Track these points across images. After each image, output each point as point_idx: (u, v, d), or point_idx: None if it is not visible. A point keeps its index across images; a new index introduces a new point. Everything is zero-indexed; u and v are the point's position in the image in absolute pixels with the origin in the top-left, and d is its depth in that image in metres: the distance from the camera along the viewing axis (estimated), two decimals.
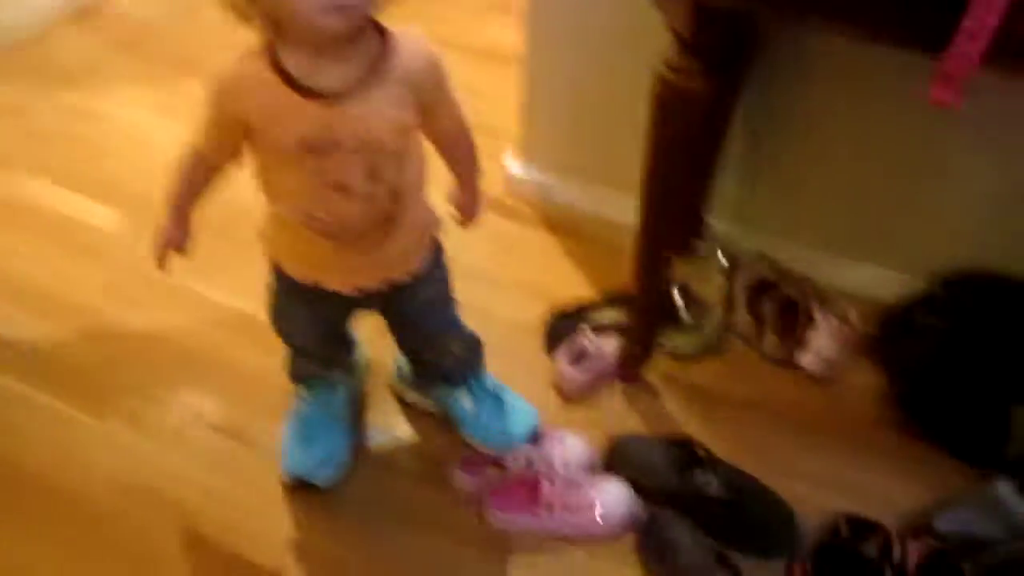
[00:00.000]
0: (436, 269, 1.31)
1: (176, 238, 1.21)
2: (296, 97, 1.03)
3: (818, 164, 1.63)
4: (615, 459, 1.44)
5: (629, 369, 1.56)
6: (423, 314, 1.34)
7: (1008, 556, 1.27)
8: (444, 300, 1.37)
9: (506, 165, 1.94)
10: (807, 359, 1.56)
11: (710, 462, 1.39)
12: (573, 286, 1.76)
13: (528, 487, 1.37)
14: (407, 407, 1.55)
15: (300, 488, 1.41)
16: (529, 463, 1.40)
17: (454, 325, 1.40)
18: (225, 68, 1.08)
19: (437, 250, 1.30)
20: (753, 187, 1.71)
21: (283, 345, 1.41)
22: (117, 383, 1.59)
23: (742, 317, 1.64)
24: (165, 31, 2.54)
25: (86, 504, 1.42)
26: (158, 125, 2.18)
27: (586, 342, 1.56)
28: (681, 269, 1.69)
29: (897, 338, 1.60)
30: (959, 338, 1.49)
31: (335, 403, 1.46)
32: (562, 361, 1.56)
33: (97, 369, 1.62)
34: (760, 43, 1.46)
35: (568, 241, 1.86)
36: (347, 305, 1.29)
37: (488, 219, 1.86)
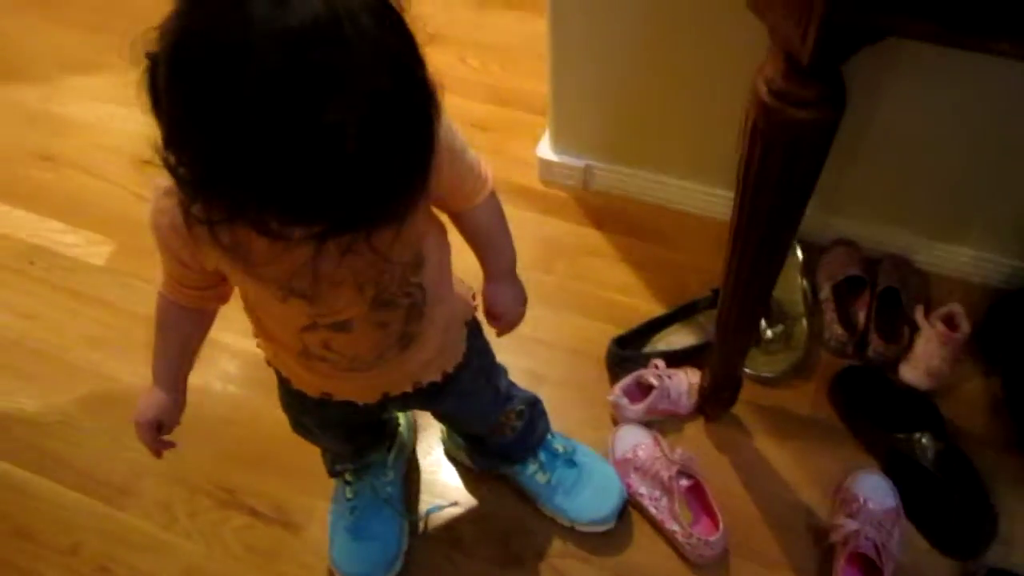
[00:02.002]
0: (475, 356, 1.07)
1: (170, 415, 0.94)
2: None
3: (903, 144, 1.37)
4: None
5: (713, 406, 1.36)
6: (467, 405, 1.13)
7: None
8: (488, 379, 1.14)
9: (539, 151, 1.69)
10: (912, 374, 1.37)
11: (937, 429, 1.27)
12: (632, 294, 1.54)
13: None
14: (463, 468, 1.36)
15: None
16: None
17: (506, 400, 1.19)
18: (158, 209, 0.77)
19: (472, 334, 1.06)
20: (833, 170, 1.47)
21: None
22: (132, 462, 1.39)
23: (832, 326, 1.44)
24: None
25: None
26: (128, 119, 1.89)
27: (652, 378, 1.36)
28: None
29: (1009, 332, 1.40)
30: None
31: (381, 488, 1.26)
32: (618, 393, 1.36)
33: (106, 446, 1.41)
34: None
35: (619, 237, 1.63)
36: (369, 411, 1.04)
37: (528, 218, 1.68)
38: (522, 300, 1.06)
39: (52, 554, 1.32)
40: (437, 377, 1.01)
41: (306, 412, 1.07)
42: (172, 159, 0.60)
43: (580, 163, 1.66)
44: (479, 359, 1.08)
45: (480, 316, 1.07)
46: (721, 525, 1.23)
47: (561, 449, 1.28)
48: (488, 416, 1.18)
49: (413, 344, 0.92)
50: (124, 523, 1.34)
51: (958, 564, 1.23)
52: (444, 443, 1.37)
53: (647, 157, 1.61)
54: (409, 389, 1.00)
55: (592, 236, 1.64)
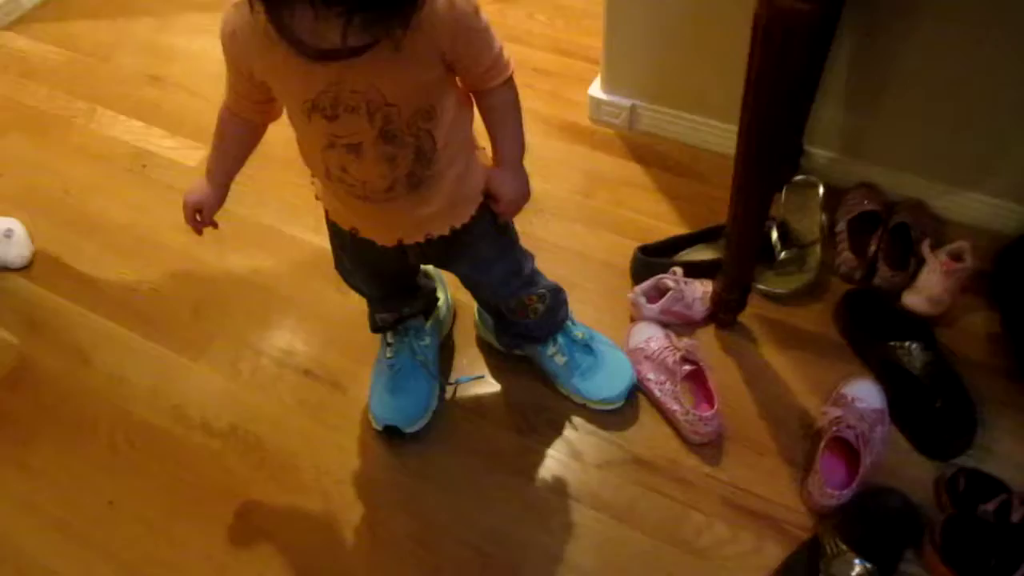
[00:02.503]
0: (490, 225, 1.20)
1: (209, 203, 1.14)
2: (299, 57, 0.88)
3: (927, 89, 1.48)
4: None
5: (724, 315, 1.49)
6: (486, 271, 1.27)
7: None
8: (503, 253, 1.28)
9: (590, 90, 1.85)
10: (914, 300, 1.47)
11: (928, 341, 1.39)
12: (663, 220, 1.69)
13: None
14: (493, 351, 1.52)
15: (388, 433, 1.41)
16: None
17: (530, 284, 1.33)
18: (226, 18, 0.95)
19: (486, 210, 1.18)
20: (857, 113, 1.59)
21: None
22: (209, 327, 1.61)
23: (844, 255, 1.55)
24: None
25: (177, 444, 1.46)
26: None
27: (669, 280, 1.50)
28: (778, 203, 1.61)
29: (1017, 272, 1.49)
30: None
31: (419, 350, 1.43)
32: (637, 292, 1.51)
33: (188, 312, 1.64)
34: None
35: (657, 171, 1.78)
36: (395, 256, 1.20)
37: (573, 150, 1.84)
38: (522, 190, 1.16)
39: (139, 392, 1.53)
40: (445, 231, 1.15)
41: (343, 247, 1.25)
42: None
43: (627, 103, 1.81)
44: (495, 231, 1.21)
45: None
46: (717, 405, 1.36)
47: (580, 335, 1.43)
48: (507, 289, 1.31)
49: (422, 187, 1.06)
50: (198, 372, 1.55)
51: (936, 465, 1.33)
52: (476, 327, 1.53)
53: (687, 100, 1.76)
54: (421, 239, 1.15)
55: (633, 169, 1.79)
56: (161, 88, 2.08)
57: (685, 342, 1.42)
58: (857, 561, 1.16)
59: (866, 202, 1.59)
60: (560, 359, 1.42)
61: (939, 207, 1.62)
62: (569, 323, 1.44)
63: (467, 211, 1.16)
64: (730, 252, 1.38)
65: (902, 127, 1.57)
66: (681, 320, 1.51)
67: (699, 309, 1.51)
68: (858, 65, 1.52)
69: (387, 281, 1.35)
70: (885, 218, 1.58)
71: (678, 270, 1.51)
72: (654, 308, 1.49)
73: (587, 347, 1.43)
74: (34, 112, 2.05)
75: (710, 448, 1.38)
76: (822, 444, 1.30)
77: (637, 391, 1.44)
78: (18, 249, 1.73)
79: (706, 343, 1.49)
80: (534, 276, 1.35)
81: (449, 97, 1.02)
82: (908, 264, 1.52)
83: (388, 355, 1.43)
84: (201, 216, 1.16)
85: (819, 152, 1.67)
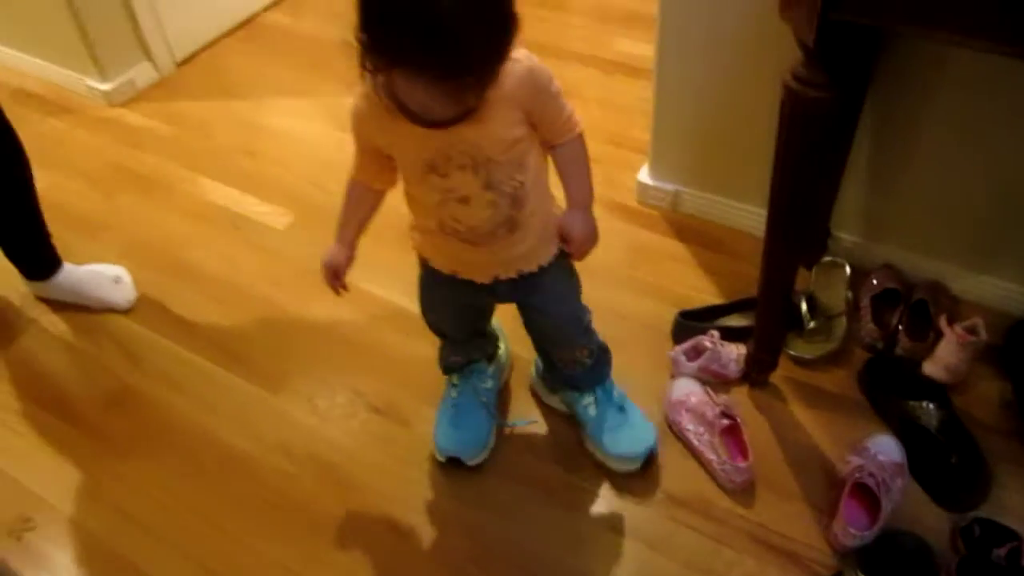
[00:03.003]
0: (564, 267, 1.40)
1: (342, 265, 1.35)
2: (415, 126, 1.11)
3: (945, 176, 1.66)
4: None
5: (756, 373, 1.64)
6: (554, 306, 1.44)
7: None
8: (574, 303, 1.46)
9: (638, 176, 2.06)
10: (933, 368, 1.61)
11: (943, 401, 1.52)
12: (702, 291, 1.86)
13: None
14: (543, 404, 1.69)
15: (450, 464, 1.57)
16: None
17: (586, 334, 1.50)
18: (357, 103, 1.18)
19: (562, 251, 1.36)
20: (879, 199, 1.77)
21: (436, 338, 1.58)
22: (289, 366, 1.79)
23: (867, 326, 1.70)
24: (316, 42, 2.78)
25: (258, 467, 1.62)
26: (316, 133, 2.41)
27: (707, 341, 1.66)
28: (807, 279, 1.78)
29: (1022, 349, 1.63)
30: None
31: (481, 391, 1.60)
32: (678, 350, 1.67)
33: (273, 352, 1.83)
34: (885, 53, 1.53)
35: (697, 249, 1.96)
36: (484, 294, 1.39)
37: (622, 227, 2.04)
38: (592, 232, 1.31)
39: (224, 420, 1.70)
40: (534, 267, 1.35)
41: (436, 288, 1.43)
42: (360, 35, 0.99)
43: (671, 188, 2.02)
44: (566, 273, 1.42)
45: None
46: (751, 458, 1.50)
47: (615, 394, 1.57)
48: (567, 332, 1.48)
49: (518, 229, 1.27)
50: (277, 406, 1.72)
51: (951, 517, 1.45)
52: (531, 379, 1.70)
53: (725, 186, 1.96)
54: (514, 275, 1.35)
55: (675, 246, 1.98)
56: (255, 161, 2.33)
57: (723, 398, 1.57)
58: None
59: (888, 281, 1.75)
60: (593, 410, 1.56)
61: (955, 288, 1.77)
62: (608, 382, 1.59)
63: (550, 250, 1.36)
64: (761, 315, 1.54)
65: (920, 215, 1.74)
66: (717, 378, 1.66)
67: (733, 369, 1.66)
68: (879, 157, 1.71)
69: (467, 324, 1.54)
70: (905, 295, 1.74)
71: (715, 333, 1.67)
72: (692, 365, 1.65)
73: (620, 407, 1.57)
74: (142, 177, 2.31)
75: (742, 492, 1.51)
76: (845, 489, 1.43)
77: (655, 456, 1.56)
78: (124, 293, 1.95)
79: (739, 400, 1.64)
80: (590, 328, 1.52)
81: (534, 150, 1.24)
82: (927, 336, 1.67)
83: (453, 394, 1.60)
84: (338, 276, 1.36)
85: (844, 236, 1.85)
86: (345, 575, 1.46)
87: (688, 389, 1.62)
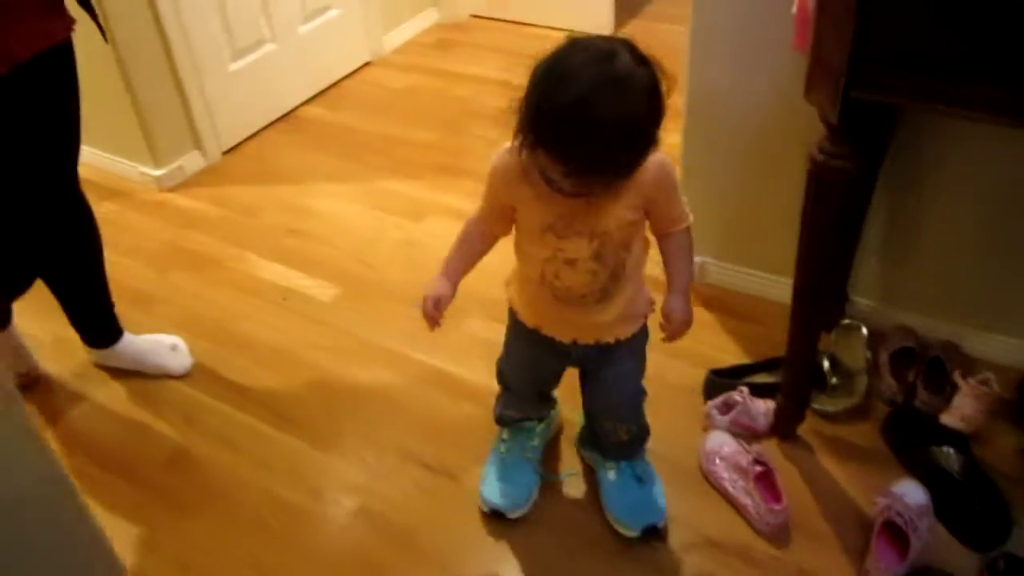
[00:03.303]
0: (638, 348, 1.51)
1: (445, 297, 1.41)
2: (546, 190, 1.22)
3: (953, 243, 1.81)
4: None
5: (784, 425, 1.74)
6: (616, 383, 1.54)
7: None
8: (637, 382, 1.56)
9: None
10: (950, 419, 1.71)
11: (963, 447, 1.63)
12: (729, 353, 1.98)
13: None
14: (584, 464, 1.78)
15: (495, 516, 1.65)
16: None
17: (634, 413, 1.60)
18: (499, 157, 1.31)
19: (643, 331, 1.51)
20: (893, 266, 1.91)
21: (496, 392, 1.69)
22: (340, 426, 1.89)
23: (887, 381, 1.81)
24: (353, 131, 2.97)
25: (314, 515, 1.71)
26: (356, 213, 2.57)
27: (737, 396, 1.77)
28: (829, 341, 1.90)
29: None
30: None
31: (529, 448, 1.69)
32: (711, 407, 1.77)
33: (323, 414, 1.93)
34: (898, 127, 1.69)
35: (723, 316, 2.09)
36: (560, 354, 1.50)
37: (655, 297, 2.16)
38: (690, 317, 1.43)
39: (279, 475, 1.79)
40: (611, 339, 1.45)
41: (518, 339, 1.53)
42: (523, 113, 1.13)
43: (698, 260, 2.15)
44: (638, 353, 1.53)
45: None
46: (785, 501, 1.58)
47: (639, 472, 1.64)
48: (618, 412, 1.57)
49: (606, 300, 1.38)
50: (329, 462, 1.82)
51: (976, 556, 1.52)
52: (575, 442, 1.79)
53: (749, 257, 2.10)
54: (591, 342, 1.45)
55: (702, 313, 2.10)
56: (300, 239, 2.48)
57: (756, 447, 1.67)
58: None
59: (904, 340, 1.87)
60: (612, 475, 1.64)
61: (967, 347, 1.89)
62: (638, 458, 1.66)
63: (631, 328, 1.47)
64: (788, 367, 1.66)
65: (931, 279, 1.88)
66: (747, 431, 1.76)
67: (763, 423, 1.76)
68: (892, 226, 1.85)
69: (535, 381, 1.63)
70: (921, 353, 1.85)
71: (744, 388, 1.78)
72: (725, 419, 1.75)
73: (639, 478, 1.64)
74: (193, 255, 2.46)
75: (778, 536, 1.59)
76: (875, 528, 1.51)
77: (656, 529, 1.61)
78: (180, 360, 2.06)
79: (769, 452, 1.73)
80: (640, 408, 1.61)
81: (640, 234, 1.37)
82: (944, 390, 1.77)
83: (502, 449, 1.69)
84: (438, 308, 1.41)
85: (861, 300, 1.98)
86: None
87: (722, 440, 1.72)
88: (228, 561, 1.64)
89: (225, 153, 2.91)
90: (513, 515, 1.65)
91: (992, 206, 1.72)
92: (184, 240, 2.52)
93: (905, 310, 1.94)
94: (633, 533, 1.61)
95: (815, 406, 1.79)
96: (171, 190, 2.75)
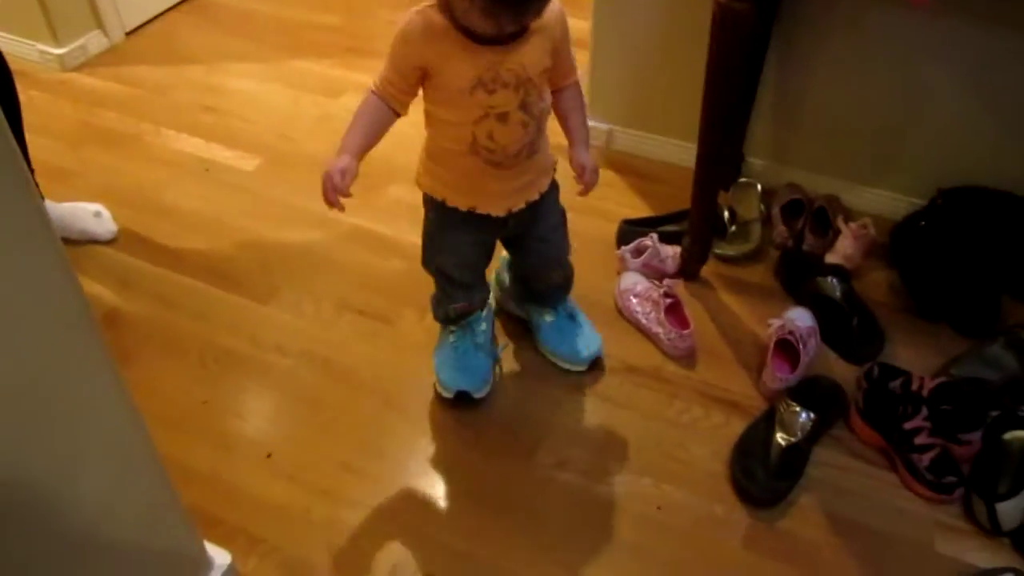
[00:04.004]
0: (556, 198, 1.59)
1: (351, 168, 1.34)
2: (472, 44, 1.26)
3: (835, 107, 2.01)
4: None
5: (689, 267, 1.93)
6: (553, 233, 1.61)
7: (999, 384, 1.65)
8: (563, 228, 1.64)
9: None
10: (834, 258, 1.93)
11: (844, 277, 1.84)
12: (638, 210, 2.14)
13: None
14: (510, 320, 1.87)
15: (460, 399, 1.67)
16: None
17: (565, 259, 1.70)
18: (412, 19, 1.29)
19: (555, 183, 1.57)
20: (783, 129, 2.10)
21: (432, 286, 1.70)
22: (275, 280, 1.97)
23: (778, 229, 2.02)
24: (257, 15, 2.95)
25: (256, 360, 1.79)
26: (271, 91, 2.59)
27: (648, 241, 1.93)
28: (727, 198, 2.08)
29: (906, 241, 1.97)
30: (956, 239, 1.87)
31: (480, 333, 1.69)
32: (625, 251, 1.94)
33: (258, 271, 1.99)
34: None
35: (631, 179, 2.25)
36: (496, 228, 1.53)
37: (562, 164, 2.28)
38: (596, 165, 1.50)
39: (219, 326, 1.86)
40: (536, 195, 1.51)
41: (450, 229, 1.53)
42: None
43: (605, 127, 2.30)
44: (557, 205, 1.61)
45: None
46: (692, 326, 1.77)
47: (570, 308, 1.77)
48: (552, 263, 1.67)
49: (534, 154, 1.44)
50: (268, 313, 1.89)
51: (855, 369, 1.75)
52: (495, 296, 1.85)
53: (655, 123, 2.25)
54: (523, 205, 1.50)
55: (611, 176, 2.25)
56: (216, 116, 2.49)
57: (667, 281, 1.84)
58: (803, 412, 1.57)
59: (793, 194, 2.08)
60: (549, 318, 1.76)
61: (848, 200, 2.11)
62: (566, 300, 1.79)
63: (548, 179, 1.54)
64: (693, 216, 1.83)
65: (817, 140, 2.08)
66: (656, 273, 1.93)
67: (670, 265, 1.94)
68: (781, 92, 2.04)
69: (474, 264, 1.63)
70: (808, 205, 2.06)
71: (654, 235, 1.95)
72: (637, 261, 1.92)
73: (571, 315, 1.78)
74: (106, 131, 2.43)
75: (686, 358, 1.78)
76: (771, 346, 1.72)
77: (600, 359, 1.77)
78: (106, 225, 2.07)
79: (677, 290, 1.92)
80: (567, 255, 1.71)
81: (545, 92, 1.42)
82: (827, 235, 1.99)
83: (451, 339, 1.69)
84: (345, 178, 1.34)
85: (755, 160, 2.17)
86: (352, 443, 1.64)
87: (635, 279, 1.89)
88: (175, 404, 1.71)
89: (128, 34, 2.84)
90: (478, 395, 1.67)
91: (867, 77, 1.92)
92: (94, 118, 2.49)
93: (794, 168, 2.14)
94: (581, 366, 1.74)
95: (716, 251, 1.98)
96: (75, 70, 2.69)
